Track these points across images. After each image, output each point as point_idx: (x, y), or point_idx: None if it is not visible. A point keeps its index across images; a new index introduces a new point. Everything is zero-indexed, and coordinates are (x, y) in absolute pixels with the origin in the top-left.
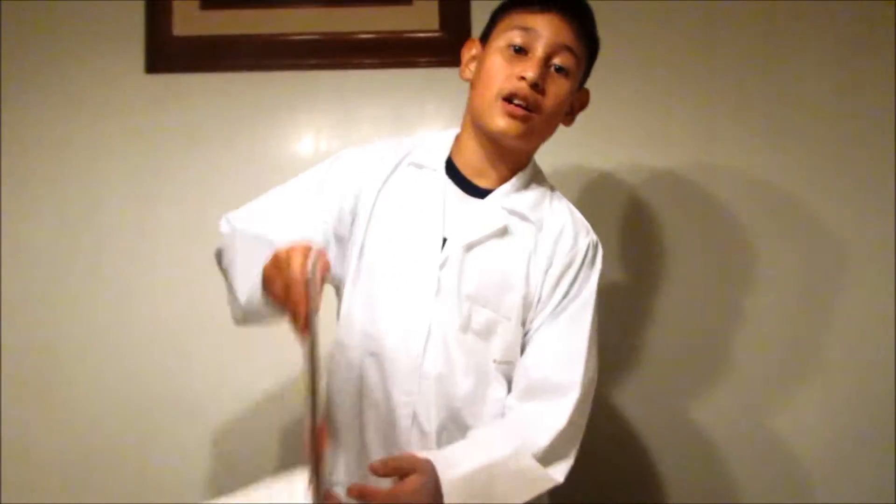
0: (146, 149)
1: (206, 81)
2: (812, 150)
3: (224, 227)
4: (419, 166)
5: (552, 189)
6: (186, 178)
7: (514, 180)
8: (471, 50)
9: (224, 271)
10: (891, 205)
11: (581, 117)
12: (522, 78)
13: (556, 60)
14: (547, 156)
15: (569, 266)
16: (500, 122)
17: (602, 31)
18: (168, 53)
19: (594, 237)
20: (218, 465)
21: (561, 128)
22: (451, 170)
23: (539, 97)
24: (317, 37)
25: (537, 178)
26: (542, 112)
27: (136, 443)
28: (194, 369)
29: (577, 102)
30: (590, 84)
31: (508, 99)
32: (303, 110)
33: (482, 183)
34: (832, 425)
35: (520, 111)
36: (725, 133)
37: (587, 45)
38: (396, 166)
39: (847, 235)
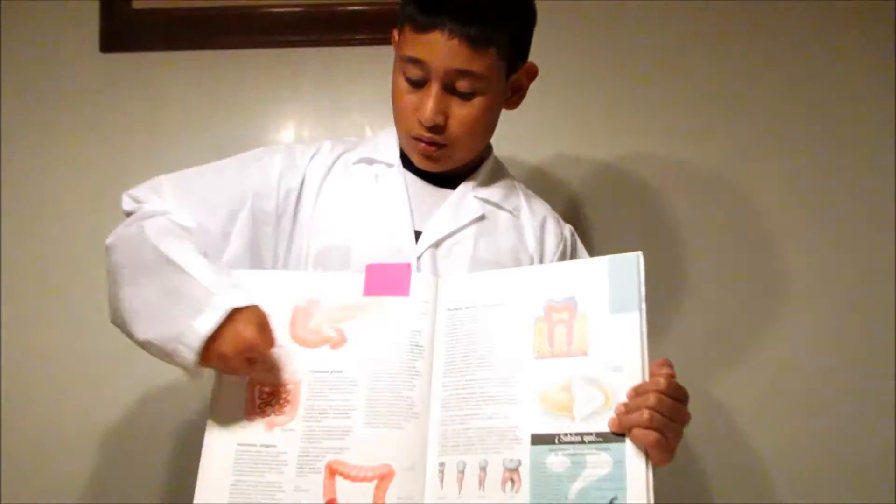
0: (102, 139)
1: (171, 61)
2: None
3: (127, 204)
4: (370, 161)
5: (513, 179)
6: (149, 172)
7: (481, 171)
8: (394, 40)
9: (114, 270)
10: None
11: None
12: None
13: (458, 86)
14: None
15: (563, 255)
16: (416, 158)
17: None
18: (126, 29)
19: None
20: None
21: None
22: (409, 164)
23: (443, 134)
24: (300, 8)
25: (500, 169)
26: (455, 141)
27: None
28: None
29: (518, 83)
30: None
31: (418, 138)
32: (285, 94)
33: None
34: (867, 427)
35: (431, 149)
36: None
37: (500, 43)
38: (336, 160)
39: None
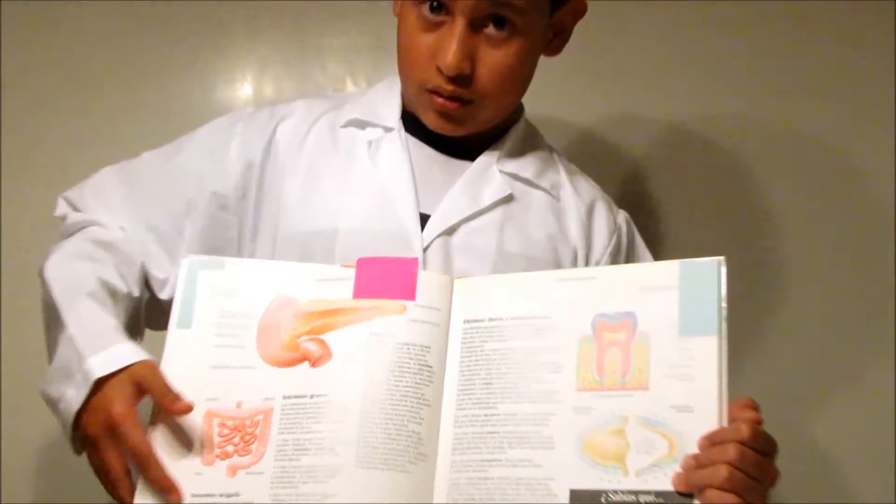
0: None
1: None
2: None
3: (60, 209)
4: (362, 124)
5: (552, 150)
6: (82, 145)
7: (509, 137)
8: None
9: (46, 305)
10: None
11: None
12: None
13: (489, 24)
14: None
15: (616, 252)
16: (430, 118)
17: None
18: None
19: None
20: None
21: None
22: (414, 127)
23: (469, 87)
24: None
25: (534, 136)
26: (484, 95)
27: None
28: None
29: (562, 23)
30: None
31: (435, 91)
32: (238, 39)
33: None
34: None
35: (453, 106)
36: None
37: None
38: (316, 122)
39: None
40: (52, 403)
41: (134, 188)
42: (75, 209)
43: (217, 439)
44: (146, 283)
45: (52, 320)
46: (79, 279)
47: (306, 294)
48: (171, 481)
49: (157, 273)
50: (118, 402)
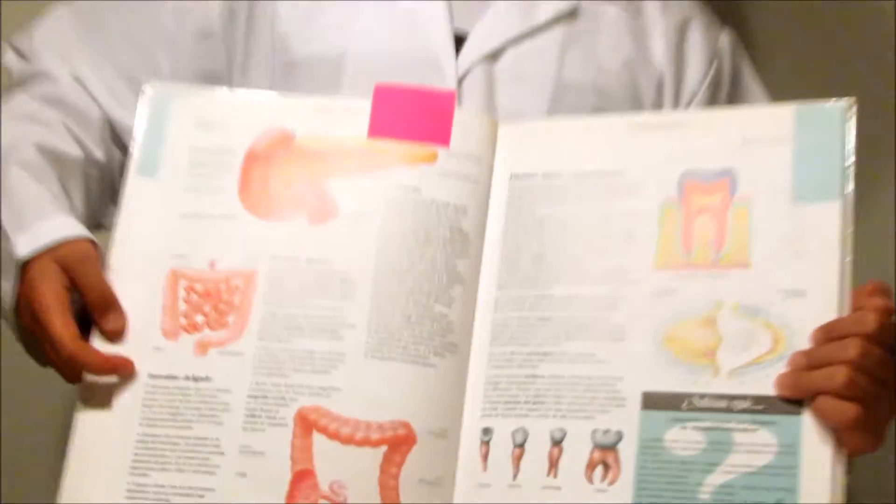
0: None
1: None
2: None
3: (8, 60)
4: None
5: None
6: None
7: None
8: None
9: None
10: None
11: None
12: None
13: None
14: None
15: (716, 85)
16: None
17: None
18: None
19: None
20: None
21: None
22: None
23: None
24: None
25: None
26: None
27: None
28: None
29: None
30: None
31: None
32: None
33: None
34: None
35: None
36: None
37: None
38: None
39: None
40: None
41: (96, 24)
42: (23, 59)
43: (183, 307)
44: (117, 139)
45: None
46: (12, 147)
47: (305, 128)
48: (113, 360)
49: (126, 119)
50: (40, 288)
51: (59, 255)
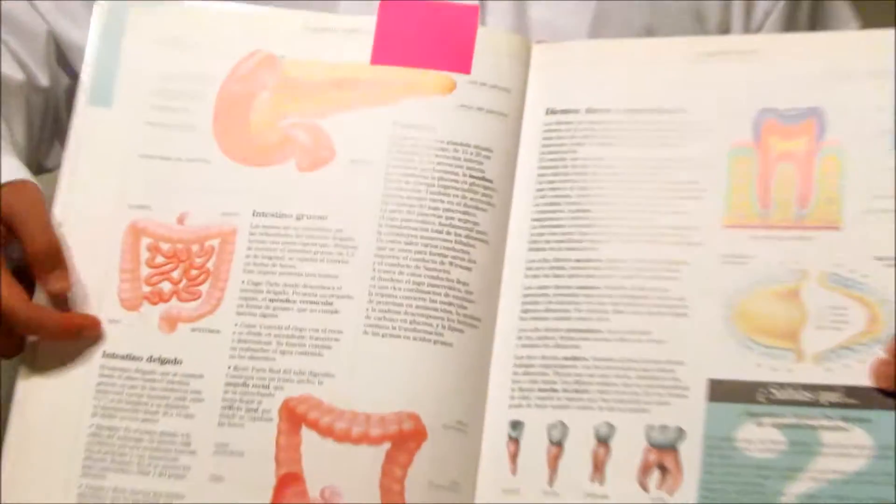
0: None
1: None
2: None
3: None
4: None
5: None
6: None
7: None
8: None
9: None
10: None
11: None
12: None
13: None
14: None
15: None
16: None
17: None
18: None
19: None
20: None
21: None
22: None
23: None
24: None
25: None
26: None
27: None
28: None
29: None
30: None
31: None
32: None
33: None
34: None
35: None
36: None
37: None
38: None
39: None
40: None
41: None
42: None
43: (146, 270)
44: (65, 62)
45: None
46: None
47: (295, 51)
48: (76, 318)
49: (77, 37)
50: None
51: None
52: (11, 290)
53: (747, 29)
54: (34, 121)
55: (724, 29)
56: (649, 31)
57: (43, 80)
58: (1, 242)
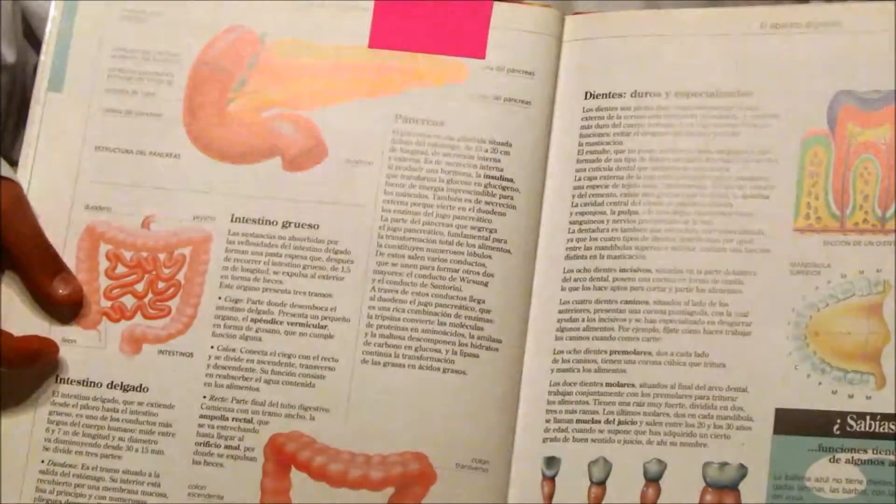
0: None
1: None
2: None
3: None
4: None
5: None
6: None
7: None
8: None
9: None
10: None
11: None
12: None
13: None
14: None
15: None
16: None
17: None
18: None
19: None
20: None
21: None
22: None
23: None
24: None
25: None
26: None
27: None
28: None
29: None
30: None
31: None
32: None
33: None
34: None
35: None
36: None
37: None
38: None
39: None
40: None
41: None
42: None
43: (105, 282)
44: (33, 38)
45: None
46: None
47: (280, 30)
48: (32, 342)
49: (48, 9)
50: None
51: None
52: None
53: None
54: (4, 102)
55: None
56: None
57: (8, 56)
58: None
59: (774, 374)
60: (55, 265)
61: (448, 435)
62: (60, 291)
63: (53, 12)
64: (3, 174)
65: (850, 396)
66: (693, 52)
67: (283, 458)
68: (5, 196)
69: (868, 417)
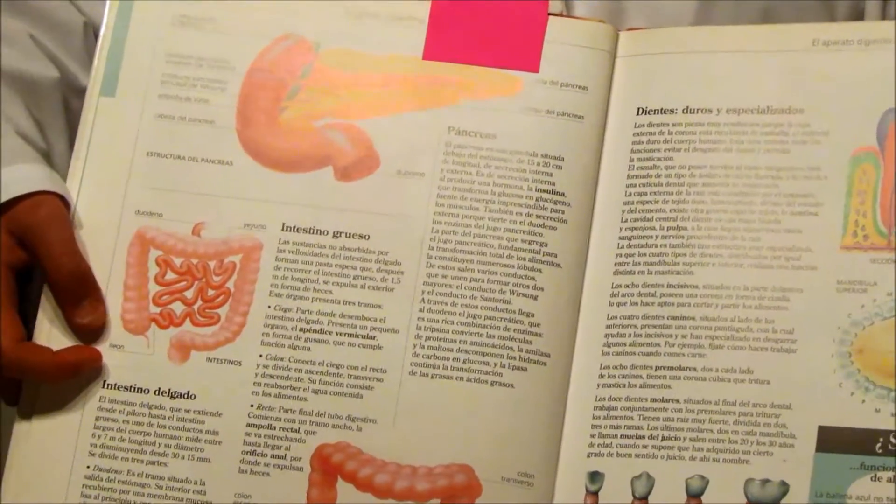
0: None
1: None
2: None
3: None
4: None
5: None
6: None
7: None
8: None
9: None
10: None
11: None
12: None
13: None
14: None
15: None
16: None
17: None
18: None
19: None
20: None
21: None
22: None
23: None
24: None
25: None
26: None
27: None
28: None
29: None
30: None
31: None
32: None
33: None
34: None
35: None
36: None
37: None
38: None
39: None
40: None
41: None
42: None
43: (154, 288)
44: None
45: None
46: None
47: (334, 40)
48: (73, 356)
49: None
50: None
51: (13, 217)
52: (10, 328)
53: (885, 15)
54: (75, 123)
55: (857, 15)
56: (766, 15)
57: (82, 76)
58: (11, 267)
59: (818, 392)
60: (82, 289)
61: (494, 448)
62: (78, 320)
63: (107, 16)
64: (50, 188)
65: (894, 415)
66: (745, 68)
67: (329, 469)
68: (45, 211)
69: None
